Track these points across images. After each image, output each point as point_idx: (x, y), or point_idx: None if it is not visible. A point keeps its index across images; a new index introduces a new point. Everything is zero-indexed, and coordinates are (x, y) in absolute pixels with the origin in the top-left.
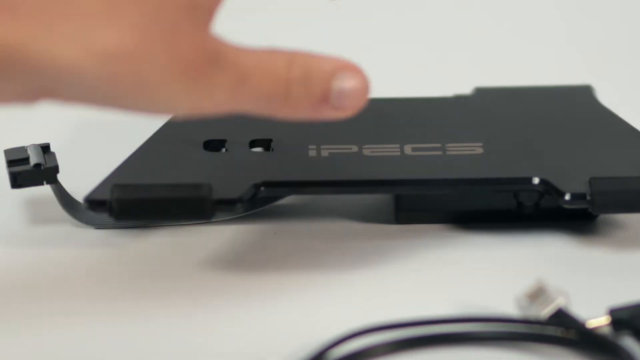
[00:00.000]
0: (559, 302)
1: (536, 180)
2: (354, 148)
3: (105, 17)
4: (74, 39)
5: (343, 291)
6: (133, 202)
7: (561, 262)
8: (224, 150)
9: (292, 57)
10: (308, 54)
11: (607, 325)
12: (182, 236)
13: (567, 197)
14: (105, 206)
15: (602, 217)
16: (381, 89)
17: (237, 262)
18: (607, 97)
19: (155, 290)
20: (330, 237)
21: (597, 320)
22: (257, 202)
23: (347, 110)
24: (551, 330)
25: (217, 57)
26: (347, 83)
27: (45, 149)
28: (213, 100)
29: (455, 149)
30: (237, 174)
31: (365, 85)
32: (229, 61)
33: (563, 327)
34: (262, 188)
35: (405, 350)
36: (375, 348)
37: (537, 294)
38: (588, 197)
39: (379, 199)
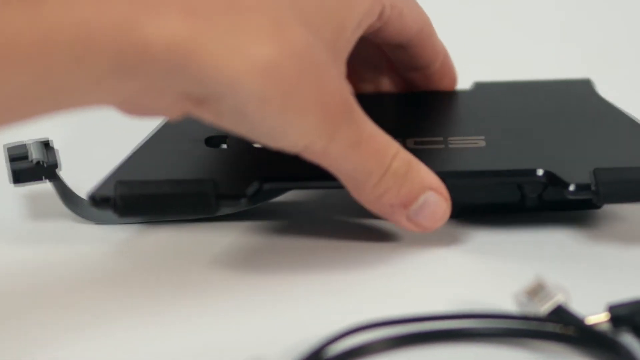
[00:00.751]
0: (558, 299)
1: (540, 172)
2: None
3: (271, 36)
4: (241, 51)
5: (342, 287)
6: (137, 198)
7: (562, 258)
8: (224, 146)
9: (401, 151)
10: (416, 159)
11: (606, 322)
12: (183, 232)
13: (572, 188)
14: (109, 203)
15: (605, 211)
16: None
17: (238, 259)
18: (607, 97)
19: (156, 286)
20: (330, 232)
21: (597, 317)
22: (260, 197)
23: (416, 227)
24: (550, 327)
25: (350, 110)
26: (432, 198)
27: (46, 145)
28: (327, 149)
29: (458, 142)
30: (240, 169)
31: (444, 215)
32: (356, 119)
33: (562, 324)
34: (265, 183)
35: (404, 347)
36: (373, 344)
37: (537, 291)
38: (593, 188)
39: None
